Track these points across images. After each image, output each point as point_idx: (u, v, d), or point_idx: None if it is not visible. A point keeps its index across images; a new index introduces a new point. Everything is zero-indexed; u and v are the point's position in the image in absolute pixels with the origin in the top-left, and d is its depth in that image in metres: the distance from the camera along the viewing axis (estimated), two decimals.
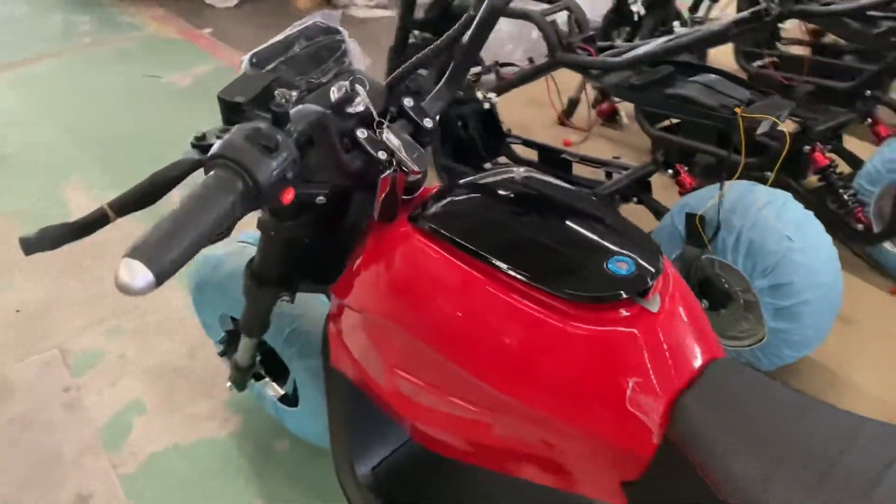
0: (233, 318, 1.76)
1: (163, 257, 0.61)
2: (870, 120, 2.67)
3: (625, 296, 0.78)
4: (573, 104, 3.43)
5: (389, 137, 0.96)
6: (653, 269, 0.81)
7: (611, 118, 3.44)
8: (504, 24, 2.54)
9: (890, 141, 2.41)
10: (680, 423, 0.76)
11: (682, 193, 2.32)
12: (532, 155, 2.82)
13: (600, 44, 2.15)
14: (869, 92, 2.84)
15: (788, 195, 1.94)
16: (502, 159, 2.82)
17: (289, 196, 0.75)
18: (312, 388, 1.59)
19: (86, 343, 2.20)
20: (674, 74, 2.05)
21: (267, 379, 1.83)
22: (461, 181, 1.01)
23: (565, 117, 3.45)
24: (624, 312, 0.79)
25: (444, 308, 0.88)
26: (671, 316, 0.80)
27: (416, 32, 2.64)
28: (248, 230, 1.78)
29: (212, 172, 0.68)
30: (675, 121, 2.86)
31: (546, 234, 0.87)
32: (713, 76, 2.03)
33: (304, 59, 1.04)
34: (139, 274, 0.60)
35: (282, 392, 1.81)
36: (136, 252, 0.61)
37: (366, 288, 1.01)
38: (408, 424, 1.08)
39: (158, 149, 3.27)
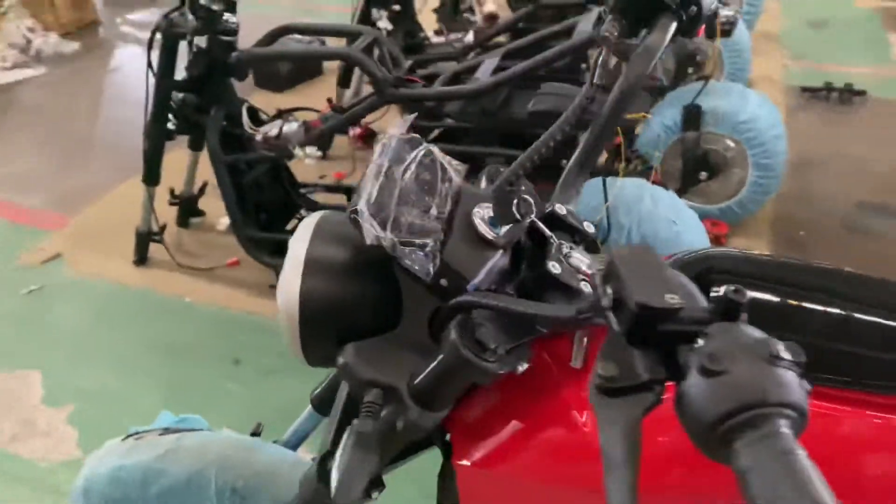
0: None
1: None
2: None
3: None
4: (330, 136, 3.20)
5: (581, 259, 0.72)
6: None
7: (368, 141, 3.28)
8: None
9: (660, 109, 2.65)
10: None
11: None
12: (335, 199, 2.56)
13: (421, 72, 1.99)
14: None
15: (645, 181, 2.02)
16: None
17: None
18: None
19: None
20: (512, 91, 1.98)
21: None
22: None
23: (323, 150, 3.20)
24: None
25: None
26: None
27: (177, 94, 2.18)
28: (164, 412, 1.29)
29: (764, 429, 0.41)
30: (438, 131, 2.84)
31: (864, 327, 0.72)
32: (551, 84, 2.00)
33: (416, 192, 0.73)
34: None
35: None
36: None
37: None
38: None
39: None
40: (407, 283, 0.75)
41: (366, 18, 2.81)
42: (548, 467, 0.79)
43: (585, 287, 0.69)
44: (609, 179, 1.99)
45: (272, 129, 2.10)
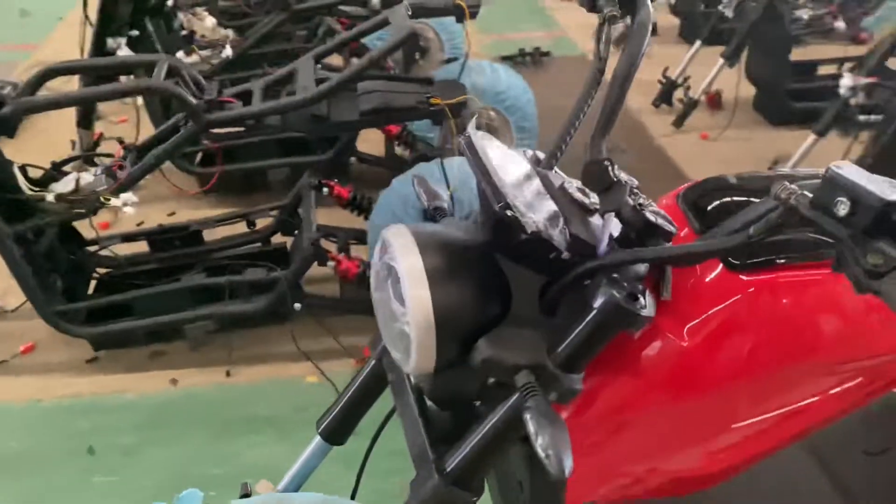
0: None
1: None
2: None
3: None
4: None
5: (653, 206, 0.84)
6: None
7: None
8: None
9: None
10: None
11: (342, 205, 2.31)
12: (133, 249, 2.32)
13: (228, 91, 1.91)
14: None
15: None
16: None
17: None
18: None
19: None
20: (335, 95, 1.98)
21: None
22: None
23: None
24: None
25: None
26: None
27: None
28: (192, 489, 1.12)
29: None
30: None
31: None
32: (365, 83, 2.03)
33: (521, 179, 0.78)
34: None
35: None
36: None
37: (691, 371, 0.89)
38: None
39: None
40: (513, 269, 0.81)
41: (100, 49, 2.54)
42: (654, 394, 0.90)
43: (671, 226, 0.82)
44: (446, 161, 2.11)
45: (66, 185, 1.85)
